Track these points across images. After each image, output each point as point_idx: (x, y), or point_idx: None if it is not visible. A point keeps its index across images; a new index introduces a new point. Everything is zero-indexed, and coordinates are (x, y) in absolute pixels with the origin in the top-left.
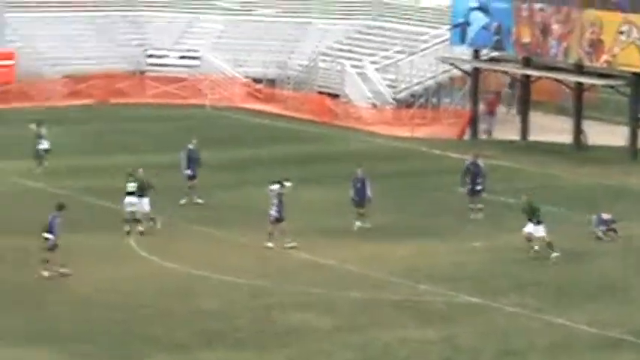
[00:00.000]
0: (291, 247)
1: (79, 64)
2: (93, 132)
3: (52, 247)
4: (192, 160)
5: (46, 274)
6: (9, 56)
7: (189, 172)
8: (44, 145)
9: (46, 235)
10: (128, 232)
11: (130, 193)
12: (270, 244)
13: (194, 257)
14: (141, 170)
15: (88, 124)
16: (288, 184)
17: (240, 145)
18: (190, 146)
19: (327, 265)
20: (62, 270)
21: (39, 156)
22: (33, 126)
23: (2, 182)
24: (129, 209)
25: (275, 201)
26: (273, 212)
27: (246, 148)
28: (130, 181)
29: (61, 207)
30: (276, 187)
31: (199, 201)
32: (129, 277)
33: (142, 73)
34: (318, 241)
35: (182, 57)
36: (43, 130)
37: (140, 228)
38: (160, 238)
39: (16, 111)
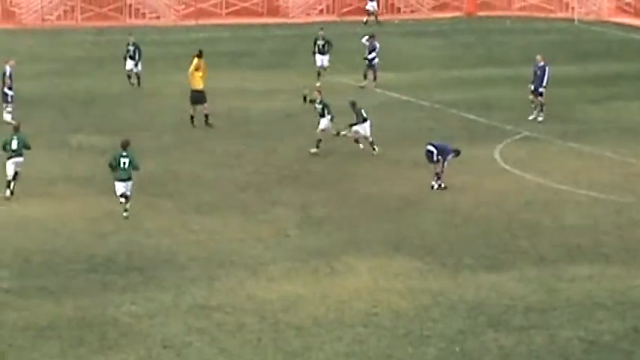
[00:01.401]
0: None
1: None
2: (460, 44)
3: (441, 162)
4: (537, 76)
5: (435, 186)
6: None
7: (531, 86)
8: (371, 55)
9: (430, 147)
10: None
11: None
12: None
13: (558, 171)
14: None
15: (455, 37)
16: None
17: (609, 59)
18: (540, 63)
19: None
20: (443, 184)
21: (369, 67)
22: (364, 40)
23: (368, 94)
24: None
25: None
26: None
27: (614, 62)
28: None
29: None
30: None
31: (539, 119)
32: (493, 190)
33: None
34: None
35: None
36: (376, 43)
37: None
38: (523, 151)
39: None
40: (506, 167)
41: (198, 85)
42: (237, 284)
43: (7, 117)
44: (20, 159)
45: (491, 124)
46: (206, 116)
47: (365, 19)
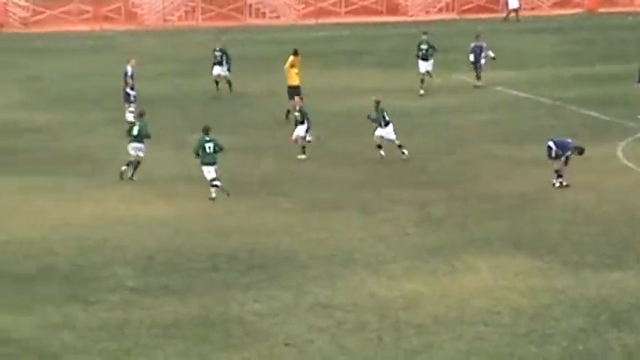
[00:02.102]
0: None
1: None
2: (581, 41)
3: (560, 159)
4: None
5: (556, 184)
6: None
7: (637, 85)
8: (482, 54)
9: (550, 143)
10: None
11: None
12: None
13: None
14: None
15: (575, 34)
16: None
17: None
18: None
19: None
20: (565, 182)
21: (479, 66)
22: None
23: (490, 92)
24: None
25: None
26: None
27: None
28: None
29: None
30: None
31: None
32: (615, 188)
33: None
34: None
35: None
36: (483, 43)
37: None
38: None
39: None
40: (629, 165)
41: (294, 81)
42: (358, 283)
43: (130, 116)
44: (139, 145)
45: (612, 121)
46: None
47: (505, 15)
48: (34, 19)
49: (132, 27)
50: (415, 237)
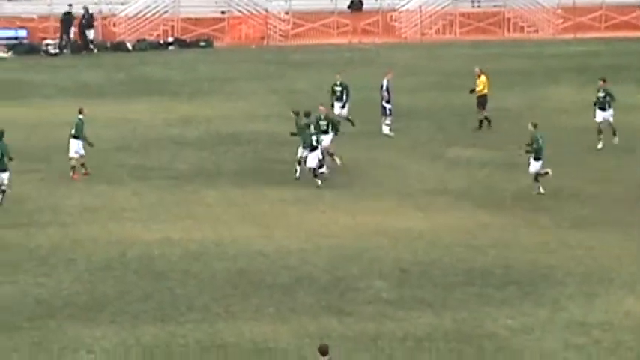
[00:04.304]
0: None
1: None
2: None
3: None
4: None
5: None
6: None
7: None
8: None
9: None
10: None
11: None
12: None
13: None
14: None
15: None
16: None
17: None
18: None
19: None
20: None
21: None
22: None
23: None
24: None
25: None
26: None
27: None
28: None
29: None
30: None
31: None
32: None
33: None
34: None
35: None
36: None
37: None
38: None
39: None
40: None
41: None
42: (614, 301)
43: (386, 129)
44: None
45: None
46: (485, 119)
47: None
48: (294, 31)
49: (390, 40)
50: None
